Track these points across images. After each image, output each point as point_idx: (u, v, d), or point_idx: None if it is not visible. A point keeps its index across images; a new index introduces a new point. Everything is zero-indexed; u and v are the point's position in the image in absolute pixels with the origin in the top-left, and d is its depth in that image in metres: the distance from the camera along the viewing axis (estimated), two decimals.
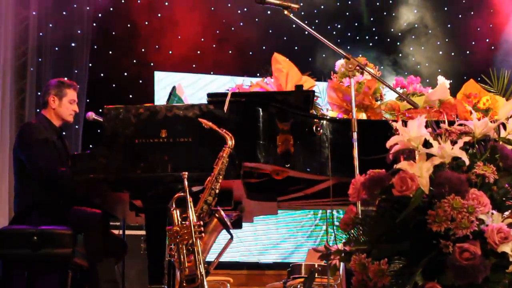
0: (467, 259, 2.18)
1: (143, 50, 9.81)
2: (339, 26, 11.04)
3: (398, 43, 11.26)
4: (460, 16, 11.66)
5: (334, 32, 10.93)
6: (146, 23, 9.85)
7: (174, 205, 3.45)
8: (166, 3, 10.12)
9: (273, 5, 3.97)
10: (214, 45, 10.20)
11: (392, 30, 11.31)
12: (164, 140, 3.84)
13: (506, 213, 2.39)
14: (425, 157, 2.39)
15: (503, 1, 11.53)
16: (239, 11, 10.43)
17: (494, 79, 3.87)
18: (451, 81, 8.33)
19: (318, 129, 3.90)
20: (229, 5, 10.39)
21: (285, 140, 3.80)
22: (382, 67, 10.45)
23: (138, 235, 6.48)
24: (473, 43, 11.61)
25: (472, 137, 2.50)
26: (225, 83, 9.06)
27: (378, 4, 11.40)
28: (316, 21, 10.58)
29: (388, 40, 11.24)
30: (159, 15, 10.01)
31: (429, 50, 11.40)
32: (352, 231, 2.50)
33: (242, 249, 9.58)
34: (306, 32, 3.81)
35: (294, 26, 3.99)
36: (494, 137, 2.55)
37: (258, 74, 5.05)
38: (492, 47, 11.46)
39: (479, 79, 4.27)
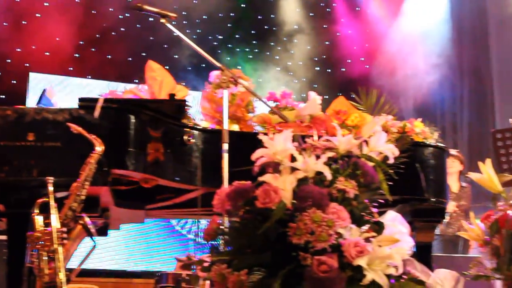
0: (324, 271, 2.24)
1: (18, 50, 9.51)
2: (219, 36, 11.09)
3: (277, 57, 11.44)
4: (338, 34, 12.00)
5: (216, 43, 10.99)
6: (24, 22, 9.56)
7: (36, 210, 3.34)
8: (46, 4, 9.85)
9: (150, 12, 3.95)
10: (92, 49, 10.03)
11: (272, 43, 11.49)
12: (31, 143, 3.72)
13: (364, 227, 2.47)
14: (289, 171, 2.44)
15: (379, 22, 11.99)
16: (120, 16, 10.30)
17: (363, 97, 3.99)
18: (326, 96, 8.57)
19: (189, 138, 3.91)
20: (110, 9, 10.24)
21: (155, 148, 3.78)
22: (260, 80, 10.60)
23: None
24: (349, 61, 11.97)
25: (336, 153, 2.57)
26: (101, 88, 8.91)
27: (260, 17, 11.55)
28: (198, 30, 10.58)
29: (268, 53, 11.40)
30: (37, 15, 9.73)
31: (306, 65, 11.64)
32: (214, 241, 2.51)
33: (110, 257, 9.44)
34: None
35: (174, 34, 3.97)
36: (357, 153, 2.63)
37: (136, 81, 5.00)
38: (367, 66, 11.86)
39: (353, 96, 4.39)
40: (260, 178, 2.44)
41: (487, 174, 2.89)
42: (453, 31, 12.30)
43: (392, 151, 2.62)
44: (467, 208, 7.94)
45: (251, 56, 11.21)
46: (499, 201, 2.90)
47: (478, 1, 11.88)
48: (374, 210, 2.56)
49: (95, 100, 3.81)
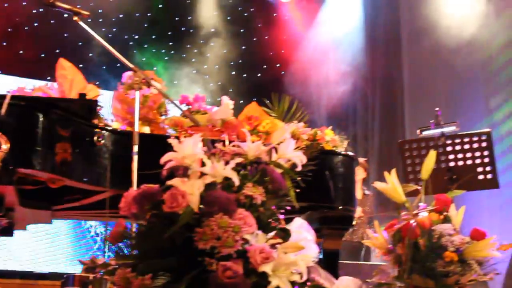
0: (229, 277, 2.25)
1: None
2: (135, 36, 10.98)
3: (193, 60, 11.41)
4: (255, 39, 12.07)
5: (131, 43, 10.88)
6: None
7: None
8: None
9: (62, 9, 3.88)
10: (4, 43, 9.76)
11: (188, 46, 11.45)
12: None
13: (271, 234, 2.49)
14: (197, 175, 2.44)
15: (295, 28, 12.13)
16: (34, 11, 10.06)
17: (276, 104, 4.03)
18: (241, 101, 8.59)
19: (99, 139, 3.85)
20: (24, 3, 10.00)
21: (64, 148, 3.71)
22: (175, 82, 10.55)
23: None
24: (265, 66, 12.05)
25: (245, 159, 2.58)
26: (10, 85, 8.68)
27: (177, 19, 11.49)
28: (114, 29, 10.45)
29: (184, 55, 11.36)
30: None
31: (223, 68, 11.66)
32: (120, 244, 2.49)
33: (16, 258, 9.21)
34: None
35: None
36: (266, 160, 2.65)
37: (49, 78, 4.89)
38: (282, 72, 11.97)
39: (268, 101, 4.43)
40: (168, 182, 2.43)
41: (391, 184, 2.96)
42: (367, 40, 12.57)
43: (300, 159, 2.65)
44: (370, 215, 8.15)
45: (166, 58, 11.14)
46: (402, 210, 2.98)
47: (391, 11, 12.17)
48: (281, 216, 2.59)
49: (2, 97, 3.71)
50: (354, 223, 7.77)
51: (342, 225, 4.63)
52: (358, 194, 8.14)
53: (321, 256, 4.60)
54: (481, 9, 10.17)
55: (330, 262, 4.57)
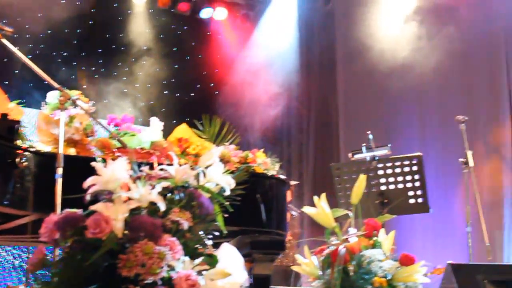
0: None
1: None
2: (64, 53, 10.83)
3: (124, 78, 11.32)
4: (188, 57, 12.05)
5: (59, 60, 10.73)
6: None
7: None
8: None
9: None
10: None
11: (119, 64, 11.36)
12: None
13: (198, 260, 2.49)
14: (122, 200, 2.42)
15: (229, 48, 12.18)
16: None
17: (207, 125, 4.04)
18: (174, 121, 8.56)
19: (22, 161, 3.78)
20: None
21: None
22: (105, 101, 10.44)
23: None
24: (198, 86, 12.04)
25: (172, 183, 2.58)
26: None
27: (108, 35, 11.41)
28: (41, 46, 10.29)
29: (114, 73, 11.26)
30: None
31: (155, 87, 11.60)
32: (40, 272, 2.44)
33: None
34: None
35: (17, 48, 3.84)
36: (193, 184, 2.64)
37: None
38: (216, 92, 11.98)
39: (201, 122, 4.42)
40: (91, 207, 2.41)
41: (321, 209, 2.99)
42: (302, 62, 12.71)
43: (228, 183, 2.66)
44: (299, 237, 8.21)
45: (96, 76, 11.01)
46: (332, 236, 3.01)
47: (326, 33, 12.35)
48: (210, 242, 2.59)
49: None
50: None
51: (274, 249, 4.64)
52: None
53: (251, 281, 4.60)
54: (413, 33, 10.44)
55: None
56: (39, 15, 10.31)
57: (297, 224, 8.32)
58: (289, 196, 8.40)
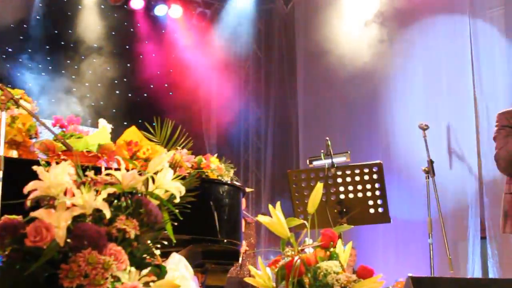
0: None
1: None
2: (9, 49, 10.70)
3: (73, 77, 11.23)
4: (141, 56, 11.99)
5: (4, 56, 10.60)
6: None
7: None
8: None
9: None
10: None
11: (68, 61, 11.27)
12: None
13: (145, 270, 2.47)
14: (65, 206, 2.39)
15: (185, 47, 12.15)
16: None
17: (158, 128, 4.02)
18: (125, 123, 8.49)
19: None
20: None
21: None
22: (53, 100, 10.34)
23: None
24: (152, 86, 11.99)
25: (118, 189, 2.56)
26: None
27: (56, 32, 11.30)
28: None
29: (63, 71, 11.16)
30: None
31: (106, 87, 11.52)
32: None
33: None
34: None
35: None
36: (141, 190, 2.63)
37: None
38: (170, 93, 11.95)
39: (154, 124, 4.39)
40: (32, 214, 2.37)
41: (276, 218, 2.99)
42: (261, 65, 12.76)
43: (179, 189, 2.64)
44: (255, 247, 8.23)
45: (43, 74, 10.90)
46: (287, 246, 3.01)
47: (287, 36, 12.41)
48: (158, 252, 2.58)
49: None
50: (241, 257, 7.88)
51: (227, 260, 4.62)
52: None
53: None
54: (374, 37, 10.56)
55: None
56: None
57: (254, 233, 8.32)
58: (243, 203, 8.42)
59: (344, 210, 5.15)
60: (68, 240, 2.34)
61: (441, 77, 10.16)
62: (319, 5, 11.51)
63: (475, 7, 9.99)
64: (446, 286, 3.53)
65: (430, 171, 5.01)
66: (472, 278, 4.75)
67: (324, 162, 5.24)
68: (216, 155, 4.66)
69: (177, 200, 2.66)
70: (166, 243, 2.66)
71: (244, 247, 8.00)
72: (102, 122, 4.18)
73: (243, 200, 8.38)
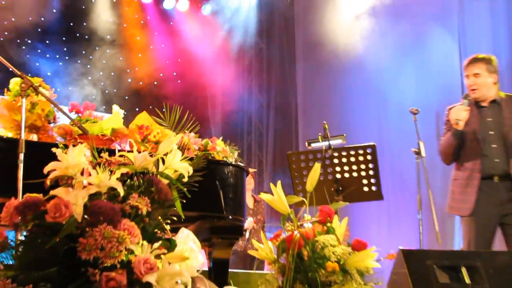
0: (112, 287, 2.24)
1: None
2: (28, 40, 10.69)
3: (88, 66, 11.21)
4: (151, 47, 11.98)
5: (24, 47, 10.59)
6: None
7: None
8: None
9: None
10: None
11: (83, 52, 11.25)
12: None
13: (156, 244, 2.49)
14: (82, 185, 2.41)
15: (192, 38, 12.13)
16: None
17: (167, 113, 4.02)
18: (137, 109, 8.49)
19: None
20: None
21: None
22: (70, 88, 10.34)
23: None
24: (161, 74, 11.98)
25: (131, 169, 2.57)
26: None
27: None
28: (5, 33, 10.13)
29: (79, 61, 11.14)
30: None
31: (119, 76, 11.53)
32: (1, 255, 2.42)
33: None
34: None
35: None
36: (153, 170, 2.64)
37: None
38: (179, 81, 11.94)
39: (163, 110, 4.40)
40: (52, 192, 2.40)
41: (277, 196, 3.01)
42: (263, 55, 12.75)
43: (187, 169, 2.66)
44: (264, 222, 8.27)
45: (61, 63, 10.90)
46: (288, 222, 3.03)
47: (287, 29, 12.40)
48: (168, 227, 2.60)
49: None
50: (248, 232, 7.91)
51: (232, 234, 4.64)
52: (250, 203, 8.24)
53: (211, 265, 4.62)
54: (366, 30, 10.57)
55: (219, 271, 4.59)
56: (3, 2, 10.17)
57: (262, 210, 8.36)
58: (252, 183, 8.45)
59: (340, 188, 5.16)
60: (85, 216, 2.36)
61: (430, 67, 10.14)
62: (317, 1, 11.51)
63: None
64: (434, 257, 3.54)
65: (420, 152, 5.02)
66: (458, 250, 4.78)
67: (322, 144, 5.25)
68: (221, 138, 4.67)
69: (186, 180, 2.68)
70: (175, 219, 2.68)
71: (252, 223, 8.03)
72: (115, 108, 4.19)
73: (252, 181, 8.44)
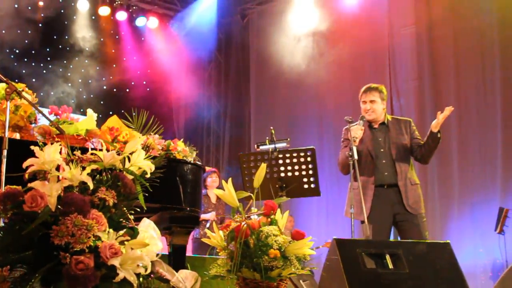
0: (81, 269, 2.22)
1: None
2: (17, 50, 10.52)
3: (69, 74, 11.07)
4: (124, 58, 11.90)
5: (12, 56, 10.41)
6: None
7: None
8: None
9: None
10: None
11: (65, 61, 11.11)
12: None
13: (121, 232, 2.47)
14: (56, 179, 2.38)
15: (159, 53, 12.08)
16: None
17: (135, 117, 3.99)
18: (111, 112, 8.42)
19: None
20: None
21: None
22: (52, 93, 10.20)
23: None
24: (133, 83, 11.92)
25: (100, 166, 2.55)
26: None
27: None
28: None
29: (61, 69, 10.99)
30: None
31: (96, 83, 11.42)
32: None
33: None
34: None
35: None
36: (119, 167, 2.62)
37: None
38: (148, 89, 11.90)
39: (134, 114, 4.35)
40: (29, 184, 2.36)
41: (228, 191, 3.02)
42: (221, 67, 12.76)
43: (149, 167, 2.65)
44: (222, 217, 8.28)
45: (44, 71, 10.75)
46: (237, 214, 3.04)
47: (243, 44, 12.43)
48: (132, 217, 2.58)
49: None
50: (208, 223, 7.94)
51: (189, 224, 4.62)
52: (214, 198, 8.28)
53: (170, 250, 4.60)
54: (307, 49, 10.71)
55: (178, 256, 4.57)
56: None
57: (223, 206, 8.38)
58: (217, 181, 8.46)
59: (284, 185, 5.20)
60: (59, 206, 2.33)
61: (364, 80, 10.26)
62: (268, 21, 11.59)
63: (393, 24, 10.15)
64: (362, 246, 3.58)
65: (352, 155, 5.06)
66: (383, 240, 4.85)
67: (269, 146, 5.28)
68: (182, 139, 4.65)
69: (148, 175, 2.67)
70: (138, 210, 2.66)
71: (214, 216, 8.08)
72: (89, 111, 4.15)
73: (217, 179, 8.46)
